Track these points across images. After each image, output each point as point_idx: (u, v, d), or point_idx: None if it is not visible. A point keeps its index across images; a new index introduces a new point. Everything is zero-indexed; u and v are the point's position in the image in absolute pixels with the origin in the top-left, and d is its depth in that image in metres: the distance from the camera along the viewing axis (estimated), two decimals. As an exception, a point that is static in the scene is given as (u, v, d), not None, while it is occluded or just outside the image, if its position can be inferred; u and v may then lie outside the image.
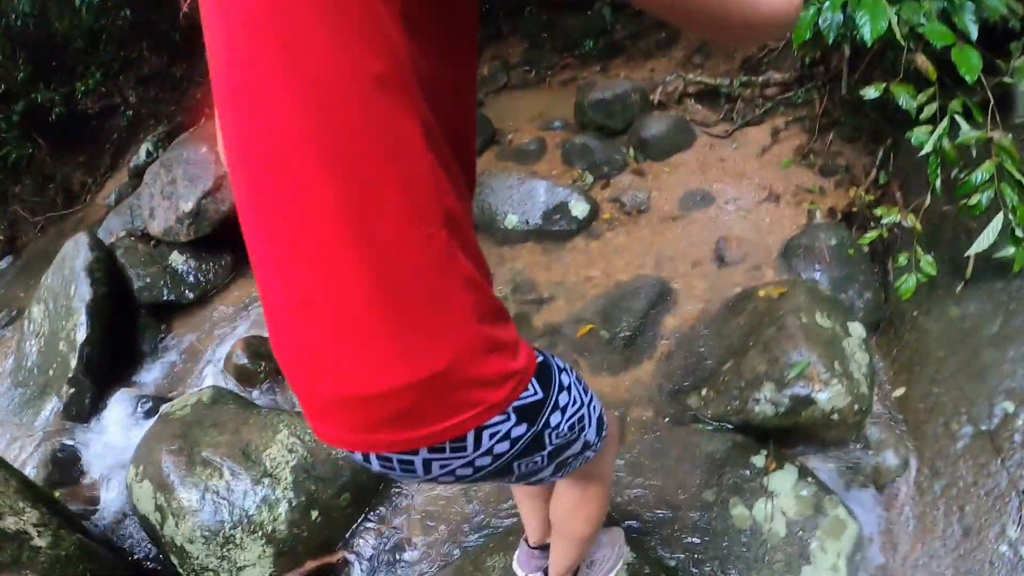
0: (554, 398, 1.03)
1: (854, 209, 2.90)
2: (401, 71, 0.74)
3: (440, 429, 0.89)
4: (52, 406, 3.21)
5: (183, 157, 3.40)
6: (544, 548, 1.92)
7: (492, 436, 0.94)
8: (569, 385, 1.09)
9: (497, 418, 0.93)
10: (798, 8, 0.67)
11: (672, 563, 2.11)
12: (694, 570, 2.08)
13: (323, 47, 0.71)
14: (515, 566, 1.98)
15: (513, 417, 0.95)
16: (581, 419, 1.12)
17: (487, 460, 0.97)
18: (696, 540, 2.13)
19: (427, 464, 0.95)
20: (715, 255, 2.92)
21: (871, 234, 2.49)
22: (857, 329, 2.42)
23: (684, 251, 2.97)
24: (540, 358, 1.04)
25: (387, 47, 0.72)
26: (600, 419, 1.21)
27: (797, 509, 2.12)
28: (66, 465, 3.03)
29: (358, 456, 0.97)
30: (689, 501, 2.20)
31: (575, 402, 1.09)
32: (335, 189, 0.77)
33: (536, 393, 0.99)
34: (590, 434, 1.16)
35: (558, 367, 1.08)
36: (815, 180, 3.10)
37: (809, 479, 2.21)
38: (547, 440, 1.04)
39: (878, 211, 2.46)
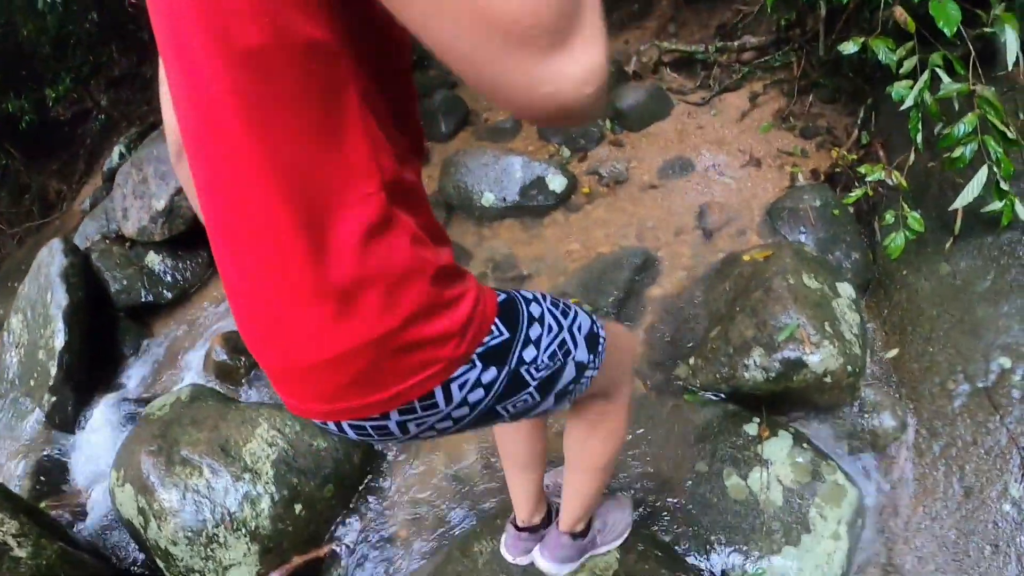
0: (523, 334, 1.00)
1: (837, 170, 2.84)
2: (337, 38, 0.71)
3: (403, 389, 0.88)
4: (35, 416, 3.16)
5: (153, 155, 3.33)
6: (531, 530, 1.88)
7: (462, 387, 0.93)
8: (541, 315, 1.05)
9: (461, 369, 0.91)
10: (586, 100, 0.54)
11: (667, 538, 2.05)
12: (690, 544, 2.03)
13: (251, 15, 0.67)
14: (503, 550, 1.94)
15: (479, 364, 0.93)
16: (563, 344, 1.08)
17: (464, 410, 0.96)
18: (691, 514, 2.08)
19: (402, 425, 0.94)
20: (698, 222, 2.86)
21: (856, 193, 2.44)
22: (846, 289, 2.36)
23: (666, 220, 2.90)
24: (502, 296, 1.01)
25: (322, 14, 0.69)
26: (591, 335, 1.16)
27: (793, 476, 2.07)
28: (52, 474, 2.98)
29: (332, 427, 0.96)
30: (682, 474, 2.14)
31: (550, 330, 1.06)
32: (266, 157, 0.75)
33: (501, 334, 0.97)
34: (580, 355, 1.11)
35: (525, 299, 1.06)
36: (796, 142, 3.03)
37: (804, 445, 2.15)
38: (527, 376, 1.01)
39: (862, 169, 2.41)
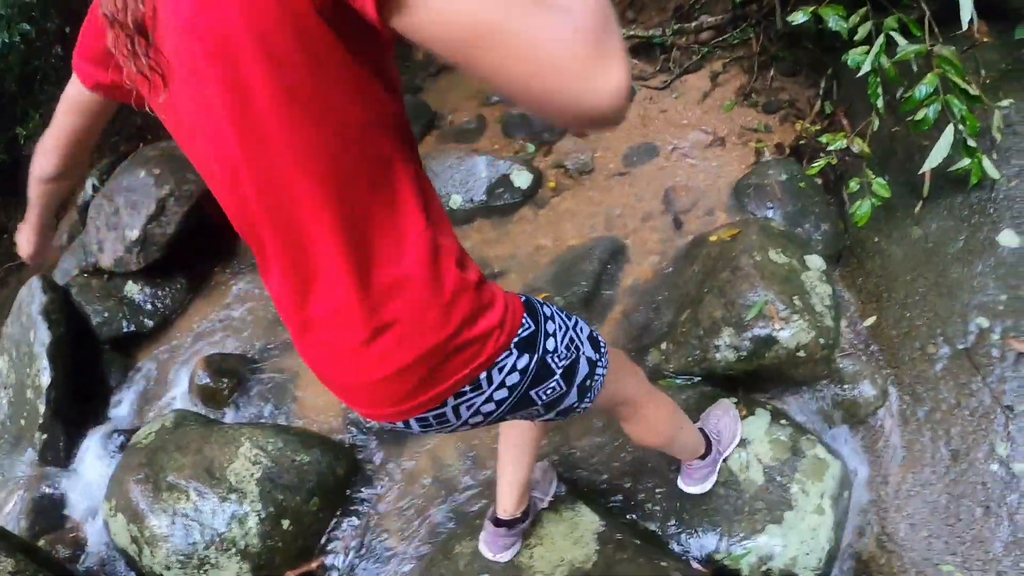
0: (543, 327, 1.17)
1: (802, 142, 2.82)
2: (381, 112, 0.91)
3: (458, 379, 1.06)
4: (28, 455, 3.16)
5: (123, 186, 3.33)
6: (511, 524, 1.89)
7: (501, 371, 1.10)
8: (552, 315, 1.23)
9: (502, 356, 1.09)
10: (619, 108, 0.68)
11: (648, 526, 2.05)
12: (671, 531, 2.02)
13: (323, 101, 0.85)
14: (482, 548, 1.95)
15: (515, 351, 1.11)
16: (572, 340, 1.24)
17: (504, 393, 1.13)
18: (671, 500, 2.07)
19: (456, 410, 1.11)
20: (665, 206, 2.84)
21: (819, 163, 2.42)
22: (815, 262, 2.35)
23: (633, 207, 2.89)
24: (523, 298, 1.20)
25: (369, 97, 0.89)
26: (592, 337, 1.32)
27: (773, 454, 2.06)
28: (49, 511, 2.99)
29: (400, 424, 1.14)
30: (660, 461, 2.13)
31: (561, 327, 1.23)
32: (336, 218, 0.92)
33: (530, 327, 1.15)
34: (587, 351, 1.27)
35: (538, 302, 1.23)
36: (760, 118, 3.01)
37: (783, 421, 2.14)
38: (552, 364, 1.18)
39: (823, 139, 2.38)
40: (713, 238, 2.49)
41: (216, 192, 1.02)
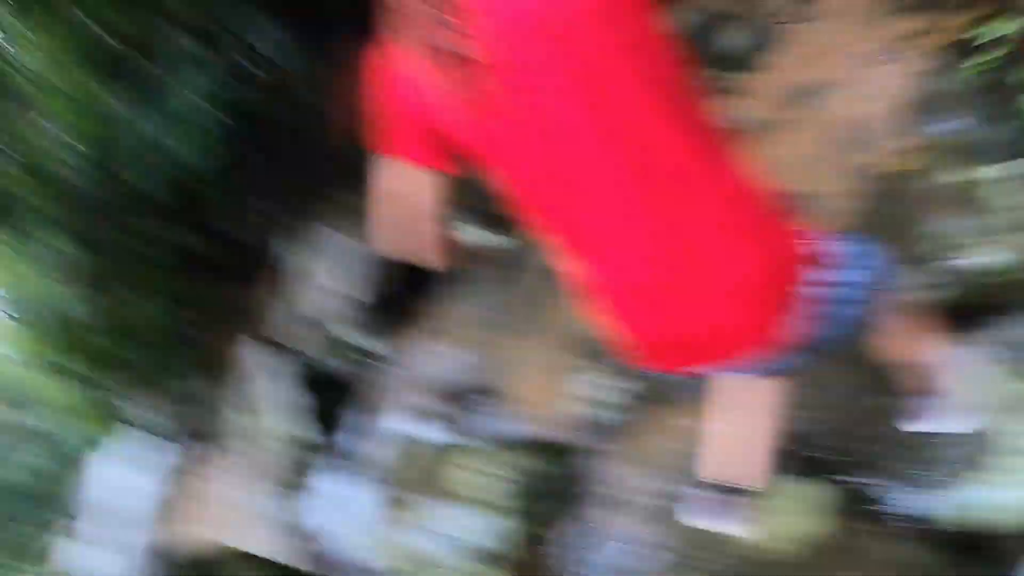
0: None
1: (968, 36, 2.47)
2: None
3: (793, 291, 1.16)
4: (282, 492, 3.59)
5: (321, 239, 3.73)
6: (737, 492, 1.75)
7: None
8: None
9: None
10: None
11: (877, 492, 1.97)
12: (900, 493, 1.95)
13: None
14: (693, 518, 1.85)
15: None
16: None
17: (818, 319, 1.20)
18: (896, 462, 1.98)
19: (788, 339, 1.19)
20: (836, 146, 2.55)
21: (985, 56, 2.13)
22: (997, 172, 2.07)
23: (804, 152, 2.62)
24: None
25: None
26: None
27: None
28: (305, 539, 3.38)
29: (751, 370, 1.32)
30: (878, 423, 1.99)
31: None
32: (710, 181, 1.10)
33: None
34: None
35: None
36: (918, 23, 2.59)
37: (996, 358, 1.90)
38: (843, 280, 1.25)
39: (986, 28, 2.11)
40: (887, 168, 2.30)
41: (551, 191, 1.11)
